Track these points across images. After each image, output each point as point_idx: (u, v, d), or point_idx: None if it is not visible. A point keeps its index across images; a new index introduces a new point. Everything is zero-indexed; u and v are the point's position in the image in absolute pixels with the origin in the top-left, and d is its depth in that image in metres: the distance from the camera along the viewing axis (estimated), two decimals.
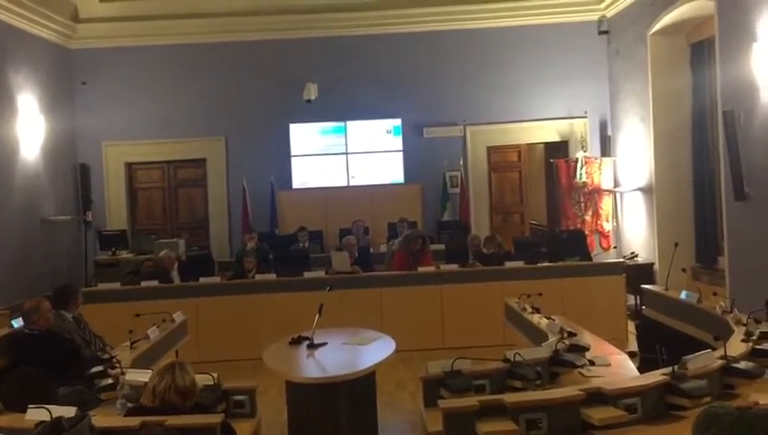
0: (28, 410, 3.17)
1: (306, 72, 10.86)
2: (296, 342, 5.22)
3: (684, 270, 6.84)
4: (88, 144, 10.88)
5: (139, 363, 4.70)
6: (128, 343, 5.19)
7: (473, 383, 3.79)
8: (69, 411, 3.03)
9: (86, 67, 10.80)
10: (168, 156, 11.19)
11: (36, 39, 9.80)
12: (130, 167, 11.26)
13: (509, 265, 7.96)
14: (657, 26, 9.02)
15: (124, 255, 10.25)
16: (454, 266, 8.08)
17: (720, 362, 3.60)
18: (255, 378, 4.37)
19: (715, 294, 5.44)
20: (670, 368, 3.45)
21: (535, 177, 12.49)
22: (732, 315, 4.76)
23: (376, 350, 5.05)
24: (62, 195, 10.40)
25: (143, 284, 7.84)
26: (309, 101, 10.79)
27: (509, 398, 3.27)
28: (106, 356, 4.93)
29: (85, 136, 10.86)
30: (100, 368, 4.50)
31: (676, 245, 6.66)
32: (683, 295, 5.62)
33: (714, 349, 3.84)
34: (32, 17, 9.46)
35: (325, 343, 5.13)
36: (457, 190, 10.97)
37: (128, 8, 10.73)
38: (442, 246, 9.23)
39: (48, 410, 3.04)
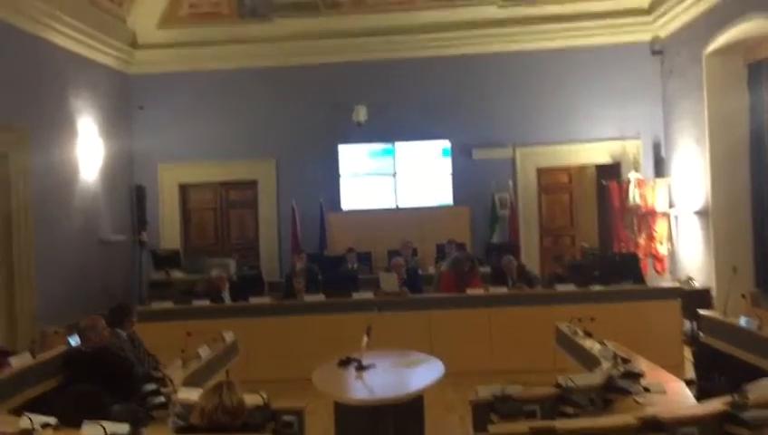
0: (83, 426, 3.23)
1: (356, 95, 10.99)
2: (345, 363, 5.23)
3: (743, 296, 6.62)
4: (144, 166, 11.17)
5: (190, 382, 4.76)
6: (179, 362, 5.26)
7: (523, 408, 3.73)
8: (122, 429, 3.08)
9: (143, 92, 11.12)
10: (221, 177, 11.39)
11: (96, 64, 10.14)
12: (184, 188, 11.50)
13: (560, 288, 7.84)
14: (713, 46, 8.85)
15: (177, 274, 10.44)
16: (503, 289, 7.99)
17: None
18: (304, 398, 4.38)
19: None
20: (730, 396, 3.33)
21: (586, 199, 12.30)
22: None
23: (424, 372, 5.03)
24: (119, 215, 10.67)
25: (195, 303, 7.95)
26: (358, 123, 10.90)
27: (561, 424, 3.20)
28: (159, 374, 5.01)
29: (141, 158, 11.16)
30: (153, 386, 4.57)
31: (735, 269, 6.47)
32: (742, 322, 5.44)
33: None
34: (92, 44, 9.80)
35: (374, 365, 5.13)
36: (507, 212, 10.87)
37: (183, 35, 11.04)
38: (490, 269, 9.15)
39: (103, 426, 3.09)
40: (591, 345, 5.27)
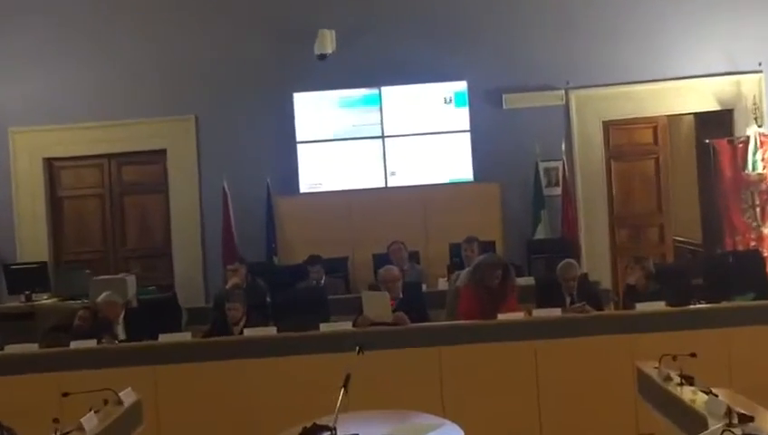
0: None
1: (318, 15, 10.97)
2: (310, 433, 5.23)
3: None
4: None
5: None
6: None
7: None
8: None
9: None
10: (109, 146, 11.37)
11: None
12: (51, 164, 11.49)
13: (641, 307, 7.85)
14: None
15: (44, 300, 10.40)
16: (555, 312, 8.00)
17: None
18: None
19: None
20: None
21: (682, 167, 12.34)
22: None
23: None
24: None
25: (73, 345, 7.91)
26: (323, 56, 10.85)
27: None
28: None
29: None
30: None
31: None
32: None
33: None
34: None
35: None
36: (558, 192, 10.97)
37: None
38: (533, 281, 9.18)
39: None
40: (693, 396, 5.29)
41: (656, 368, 5.97)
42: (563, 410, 7.49)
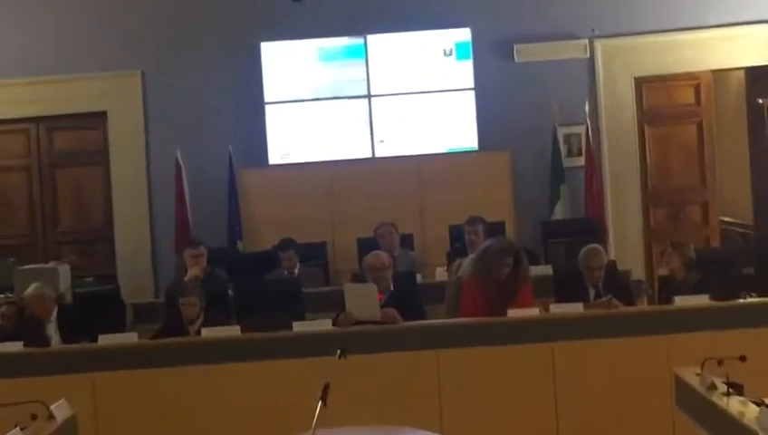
0: None
1: None
2: None
3: None
4: None
5: None
6: None
7: None
8: None
9: None
10: (37, 108, 11.35)
11: None
12: None
13: (680, 302, 7.88)
14: None
15: None
16: (577, 307, 8.02)
17: None
18: None
19: None
20: None
21: (729, 133, 12.35)
22: None
23: None
24: None
25: None
26: None
27: None
28: None
29: None
30: None
31: None
32: None
33: None
34: None
35: None
36: (581, 162, 11.00)
37: None
38: (550, 270, 9.19)
39: None
40: (742, 408, 5.32)
41: (697, 374, 6.00)
42: (586, 426, 7.52)
